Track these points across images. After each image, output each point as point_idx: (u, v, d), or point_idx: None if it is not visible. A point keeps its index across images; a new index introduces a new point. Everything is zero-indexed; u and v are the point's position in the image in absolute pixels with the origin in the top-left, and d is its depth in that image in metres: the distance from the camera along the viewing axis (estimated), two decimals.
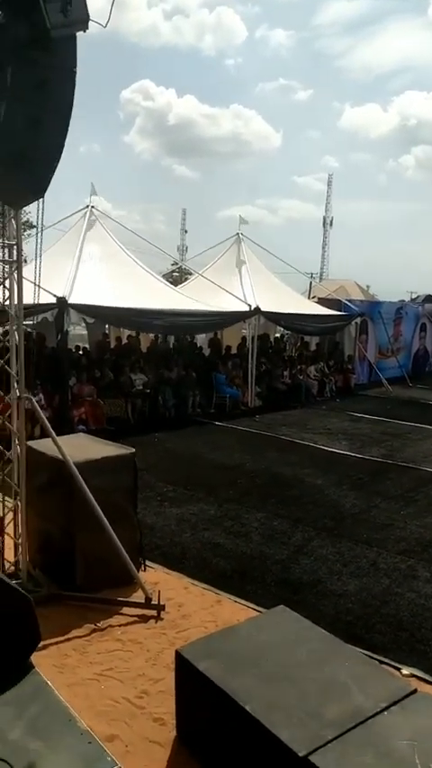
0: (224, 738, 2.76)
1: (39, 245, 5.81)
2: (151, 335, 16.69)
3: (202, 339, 17.89)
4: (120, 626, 4.66)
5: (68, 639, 4.42)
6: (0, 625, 2.75)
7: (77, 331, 17.29)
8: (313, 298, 20.59)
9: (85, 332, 17.31)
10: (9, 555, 5.16)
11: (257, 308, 14.40)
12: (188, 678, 3.13)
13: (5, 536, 5.14)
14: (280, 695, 2.80)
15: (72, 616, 4.72)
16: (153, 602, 4.85)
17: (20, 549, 5.06)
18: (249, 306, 14.48)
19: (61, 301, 10.86)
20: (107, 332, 17.15)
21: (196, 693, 3.06)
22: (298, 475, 9.02)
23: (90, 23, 3.80)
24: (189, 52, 77.71)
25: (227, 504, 7.67)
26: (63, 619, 4.63)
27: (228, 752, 2.57)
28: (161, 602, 4.86)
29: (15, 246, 5.11)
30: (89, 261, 13.07)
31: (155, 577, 5.41)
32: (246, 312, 14.45)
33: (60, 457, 4.84)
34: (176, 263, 28.54)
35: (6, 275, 5.05)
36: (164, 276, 18.68)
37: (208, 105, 78.43)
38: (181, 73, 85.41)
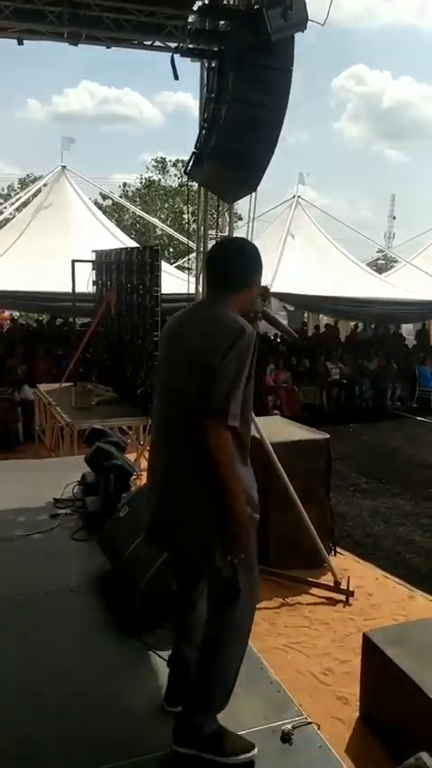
0: (410, 725, 2.79)
1: (249, 235, 6.14)
2: (351, 324, 16.52)
3: (407, 330, 17.25)
4: (308, 605, 4.81)
5: (259, 609, 4.61)
6: None
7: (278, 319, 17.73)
8: None
9: (284, 321, 17.71)
10: None
11: None
12: (375, 662, 3.18)
13: None
14: None
15: (262, 589, 4.83)
16: (342, 587, 4.93)
17: None
18: None
19: (264, 289, 11.22)
20: (305, 320, 17.35)
21: (383, 678, 3.11)
22: None
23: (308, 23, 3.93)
24: (407, 31, 73.85)
25: (425, 502, 7.43)
26: None
27: (413, 739, 2.60)
28: (350, 589, 4.92)
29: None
30: (293, 250, 13.32)
31: (345, 564, 5.47)
32: None
33: (258, 436, 5.10)
34: (382, 251, 27.69)
35: None
36: (368, 264, 18.32)
37: (426, 84, 73.84)
38: (397, 54, 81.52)
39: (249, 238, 6.13)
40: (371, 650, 3.22)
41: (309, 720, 2.31)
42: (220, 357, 2.05)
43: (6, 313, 15.91)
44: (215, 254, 2.43)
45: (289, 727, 2.26)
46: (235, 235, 6.90)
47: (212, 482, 2.08)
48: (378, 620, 4.50)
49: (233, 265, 2.30)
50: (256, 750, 2.18)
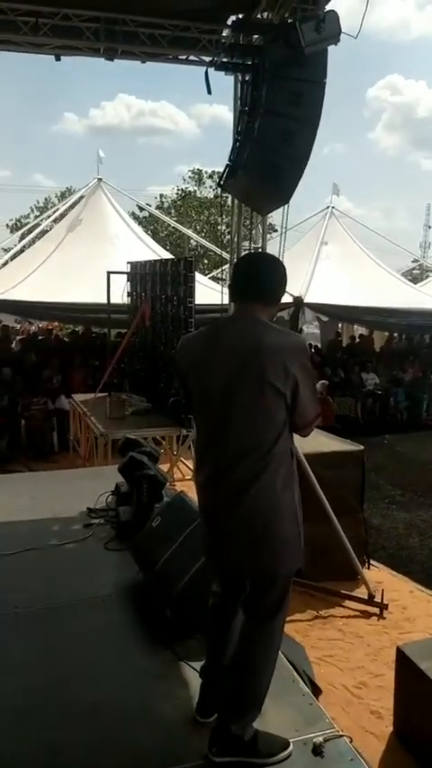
0: None
1: (282, 246, 6.15)
2: (386, 335, 16.36)
3: None
4: (341, 617, 4.77)
5: (292, 622, 4.65)
6: None
7: (311, 330, 17.66)
8: None
9: (317, 331, 17.61)
10: None
11: None
12: (409, 676, 3.14)
13: None
14: None
15: (296, 601, 4.90)
16: (376, 600, 4.87)
17: None
18: None
19: (297, 300, 11.23)
20: (340, 330, 17.23)
21: (416, 692, 3.06)
22: None
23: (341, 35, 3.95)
24: None
25: None
26: None
27: None
28: (384, 602, 4.86)
29: (260, 249, 5.48)
30: (326, 260, 13.29)
31: (379, 576, 5.40)
32: None
33: None
34: (417, 260, 27.41)
35: None
36: (403, 274, 18.13)
37: None
38: None
39: (282, 249, 6.15)
40: (404, 664, 3.18)
41: (341, 733, 2.29)
42: (300, 382, 2.15)
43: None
44: (259, 268, 2.41)
45: (320, 739, 2.24)
46: (269, 246, 6.92)
47: (289, 493, 2.20)
48: (412, 634, 4.44)
49: (273, 281, 2.34)
50: (291, 746, 2.25)
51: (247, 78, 4.64)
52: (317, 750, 2.21)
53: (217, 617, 2.45)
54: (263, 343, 2.16)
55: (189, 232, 22.64)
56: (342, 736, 2.27)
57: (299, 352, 2.21)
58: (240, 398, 2.16)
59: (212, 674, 2.42)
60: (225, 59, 4.95)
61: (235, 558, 2.26)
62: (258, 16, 5.23)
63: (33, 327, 17.45)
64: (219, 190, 5.66)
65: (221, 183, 4.82)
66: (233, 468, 2.19)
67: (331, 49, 4.22)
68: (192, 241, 26.53)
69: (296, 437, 2.30)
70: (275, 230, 13.13)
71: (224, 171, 4.73)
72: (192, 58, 5.90)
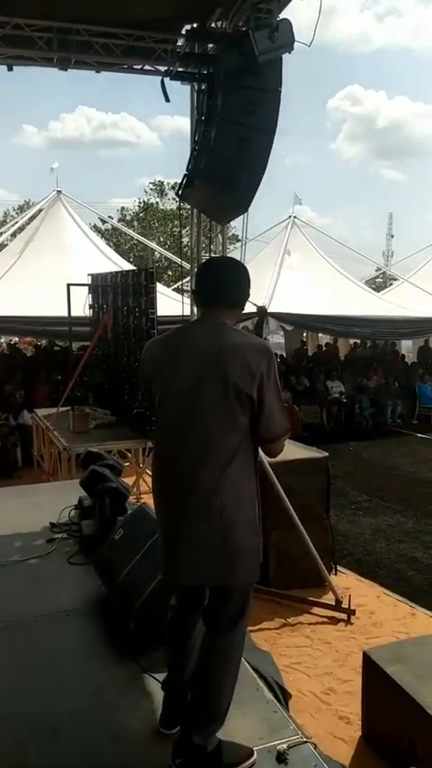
0: (412, 743, 2.73)
1: (243, 256, 6.18)
2: (351, 343, 16.57)
3: (407, 347, 17.28)
4: (309, 624, 4.76)
5: (260, 630, 4.62)
6: None
7: (276, 339, 17.77)
8: None
9: (282, 340, 17.72)
10: None
11: None
12: (375, 680, 3.13)
13: None
14: None
15: (264, 610, 4.89)
16: (343, 606, 4.87)
17: None
18: None
19: (261, 310, 11.29)
20: (305, 339, 17.38)
21: (383, 696, 3.05)
22: None
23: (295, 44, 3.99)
24: (402, 53, 75.42)
25: (426, 519, 7.37)
26: (255, 611, 4.73)
27: (415, 757, 2.55)
28: (352, 607, 4.86)
29: None
30: (290, 270, 13.41)
31: (346, 582, 5.41)
32: None
33: None
34: (380, 269, 27.86)
35: None
36: (367, 282, 18.42)
37: (422, 103, 75.03)
38: (392, 74, 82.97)
39: (243, 259, 6.17)
40: (371, 668, 3.18)
41: (305, 739, 2.26)
42: (265, 383, 2.10)
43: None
44: (219, 272, 2.39)
45: (284, 746, 2.21)
46: (230, 256, 6.95)
47: (250, 502, 2.17)
48: (380, 639, 4.45)
49: (237, 284, 2.32)
50: (255, 755, 2.22)
51: (203, 87, 4.66)
52: (281, 757, 2.19)
53: (176, 630, 2.40)
54: (227, 344, 2.13)
55: (152, 244, 22.64)
56: (306, 742, 2.25)
57: (264, 353, 2.15)
58: (203, 401, 2.11)
59: (174, 687, 2.38)
60: (180, 69, 4.96)
61: (192, 568, 2.20)
62: (213, 25, 5.26)
63: (1, 340, 17.15)
64: (179, 203, 5.65)
65: (179, 193, 4.81)
66: (192, 473, 2.13)
67: (292, 60, 4.25)
68: (156, 253, 26.54)
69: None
70: (239, 240, 13.20)
71: (182, 181, 4.72)
72: (147, 67, 5.88)
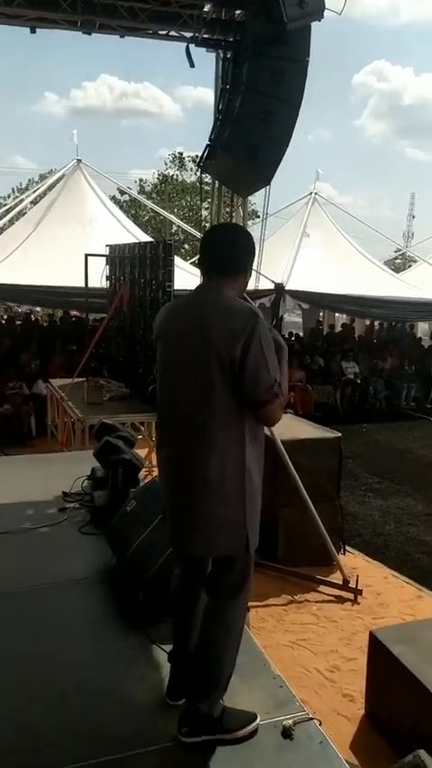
0: (415, 723, 2.75)
1: (262, 233, 6.10)
2: (367, 323, 16.42)
3: (424, 330, 17.11)
4: (316, 602, 4.79)
5: (267, 606, 4.66)
6: None
7: (292, 318, 17.65)
8: None
9: (299, 319, 17.60)
10: None
11: None
12: (381, 660, 3.15)
13: None
14: None
15: (271, 586, 4.94)
16: (350, 586, 4.89)
17: None
18: None
19: (278, 287, 11.19)
20: (321, 319, 17.26)
21: (388, 676, 3.07)
22: None
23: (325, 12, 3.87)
24: (430, 26, 73.36)
25: None
26: (263, 587, 4.86)
27: (418, 737, 2.56)
28: (359, 587, 4.88)
29: None
30: (309, 247, 13.25)
31: (354, 562, 5.43)
32: None
33: (269, 433, 5.07)
34: (399, 250, 27.49)
35: None
36: (386, 263, 18.18)
37: None
38: (421, 51, 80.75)
39: (263, 235, 6.09)
40: (377, 648, 3.19)
41: (310, 716, 2.27)
42: (249, 346, 2.03)
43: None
44: (215, 239, 2.37)
45: (290, 722, 2.22)
46: (250, 231, 6.86)
47: (244, 469, 2.14)
48: (386, 620, 4.47)
49: (236, 251, 2.27)
50: (258, 719, 2.24)
51: (228, 55, 4.55)
52: (286, 733, 2.20)
53: (179, 599, 2.41)
54: (214, 308, 2.12)
55: (170, 216, 22.44)
56: (312, 719, 2.26)
57: (249, 316, 2.07)
58: (189, 366, 2.12)
59: (179, 659, 2.40)
60: (206, 35, 4.86)
61: (181, 536, 2.24)
62: None
63: (20, 310, 17.19)
64: (200, 173, 5.57)
65: (201, 163, 4.74)
66: (181, 441, 2.16)
67: (318, 33, 4.15)
68: (173, 226, 26.32)
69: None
70: (258, 216, 13.05)
71: (204, 151, 4.65)
72: (172, 33, 5.77)
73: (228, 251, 2.27)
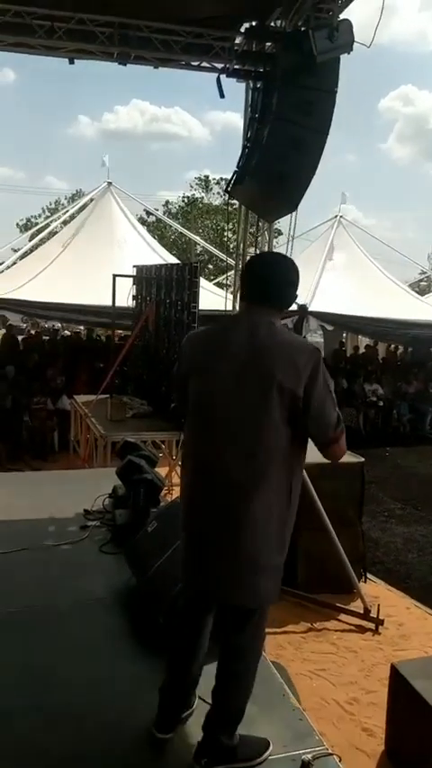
0: None
1: (289, 254, 6.12)
2: (391, 347, 16.32)
3: None
4: (335, 631, 4.72)
5: (285, 633, 4.61)
6: None
7: (315, 338, 17.60)
8: None
9: (321, 340, 17.55)
10: None
11: None
12: (402, 695, 3.09)
13: None
14: None
15: (289, 612, 4.87)
16: (372, 615, 4.82)
17: None
18: None
19: (302, 308, 11.18)
20: (344, 340, 17.19)
21: (409, 711, 3.01)
22: None
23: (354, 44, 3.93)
24: None
25: None
26: (281, 613, 4.79)
27: None
28: (380, 617, 4.80)
29: None
30: (333, 269, 13.28)
31: (375, 591, 5.35)
32: None
33: None
34: (425, 272, 27.36)
35: None
36: (411, 285, 18.11)
37: None
38: None
39: (289, 256, 6.12)
40: (398, 682, 3.13)
41: (330, 751, 2.24)
42: (313, 383, 2.02)
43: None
44: (269, 268, 2.31)
45: (309, 757, 2.19)
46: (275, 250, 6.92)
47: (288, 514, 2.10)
48: (408, 652, 4.39)
49: (291, 288, 2.27)
50: (271, 746, 2.25)
51: (258, 85, 4.63)
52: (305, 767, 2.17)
53: (188, 632, 2.32)
54: (274, 341, 2.07)
55: (195, 237, 22.69)
56: (331, 754, 2.23)
57: (312, 353, 2.06)
58: (244, 400, 2.02)
59: (175, 691, 2.33)
60: (237, 66, 4.96)
61: (212, 581, 2.15)
62: (272, 24, 5.24)
63: (47, 325, 17.42)
64: (226, 196, 5.64)
65: (228, 188, 4.80)
66: (226, 475, 2.03)
67: (345, 58, 4.19)
68: (198, 246, 26.56)
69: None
70: (281, 234, 13.13)
71: (232, 177, 4.71)
72: (204, 64, 5.91)
73: (284, 288, 2.26)
